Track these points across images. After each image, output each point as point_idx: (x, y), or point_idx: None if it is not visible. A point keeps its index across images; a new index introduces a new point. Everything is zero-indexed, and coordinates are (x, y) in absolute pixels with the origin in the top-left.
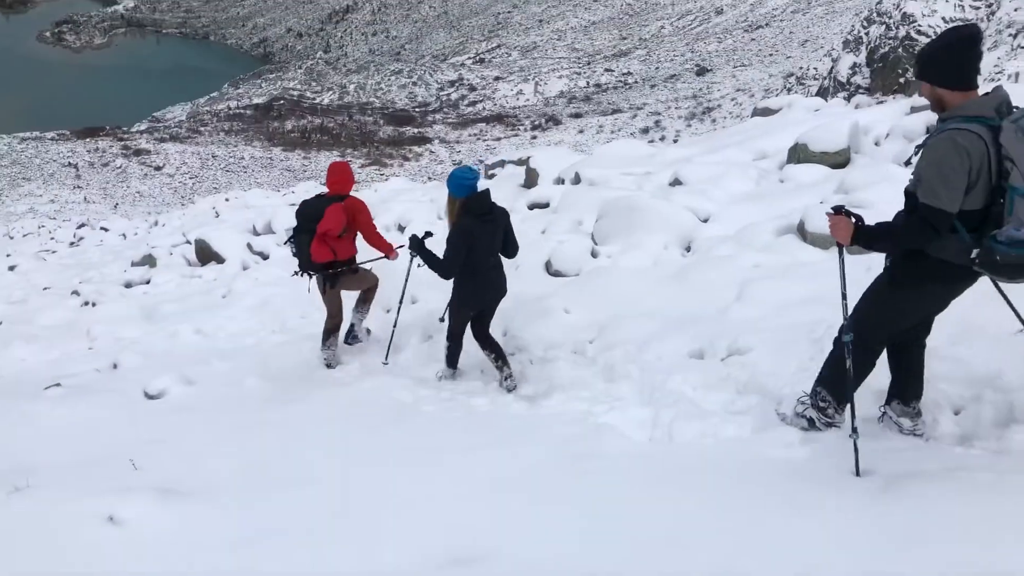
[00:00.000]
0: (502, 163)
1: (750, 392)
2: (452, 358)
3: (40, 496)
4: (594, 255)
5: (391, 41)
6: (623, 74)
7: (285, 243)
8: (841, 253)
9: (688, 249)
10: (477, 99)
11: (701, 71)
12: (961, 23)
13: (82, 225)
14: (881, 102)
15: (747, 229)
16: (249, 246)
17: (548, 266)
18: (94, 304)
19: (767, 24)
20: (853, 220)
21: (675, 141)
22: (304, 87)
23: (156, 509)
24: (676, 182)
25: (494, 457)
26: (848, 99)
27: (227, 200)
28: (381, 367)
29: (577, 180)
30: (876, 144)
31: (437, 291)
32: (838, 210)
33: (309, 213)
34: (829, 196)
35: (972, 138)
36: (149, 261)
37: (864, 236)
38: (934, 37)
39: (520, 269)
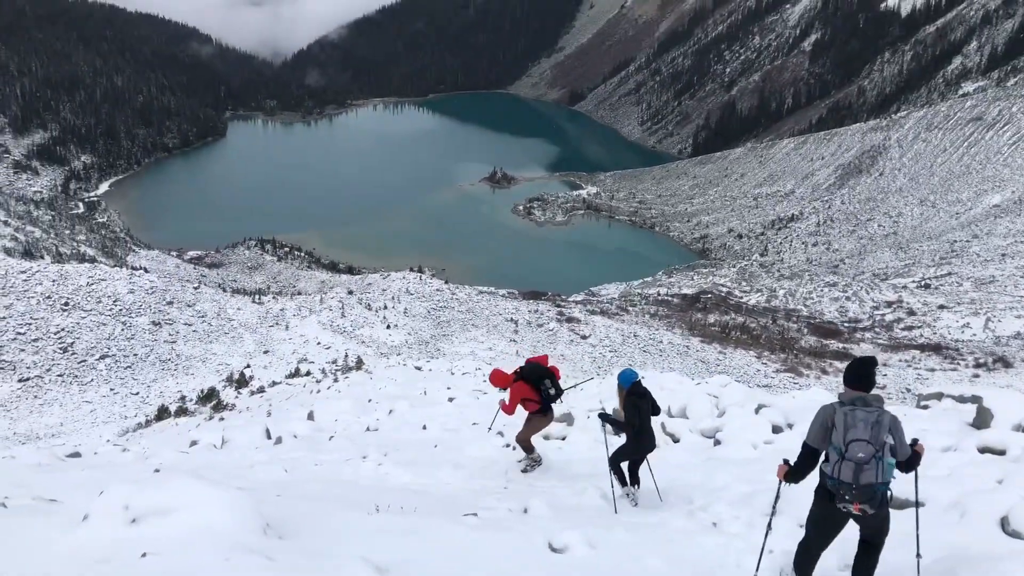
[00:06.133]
0: (939, 396)
1: None
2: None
3: None
4: None
5: (831, 253)
6: None
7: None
8: (780, 484)
9: None
10: (914, 324)
11: None
12: None
13: None
14: None
15: None
16: (663, 426)
17: (1004, 523)
18: (515, 448)
19: None
20: (787, 464)
21: None
22: (734, 285)
23: None
24: None
25: None
26: None
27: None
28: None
29: None
30: None
31: None
32: (785, 461)
33: (544, 370)
34: None
35: (830, 409)
36: (567, 419)
37: (790, 472)
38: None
39: (965, 518)
